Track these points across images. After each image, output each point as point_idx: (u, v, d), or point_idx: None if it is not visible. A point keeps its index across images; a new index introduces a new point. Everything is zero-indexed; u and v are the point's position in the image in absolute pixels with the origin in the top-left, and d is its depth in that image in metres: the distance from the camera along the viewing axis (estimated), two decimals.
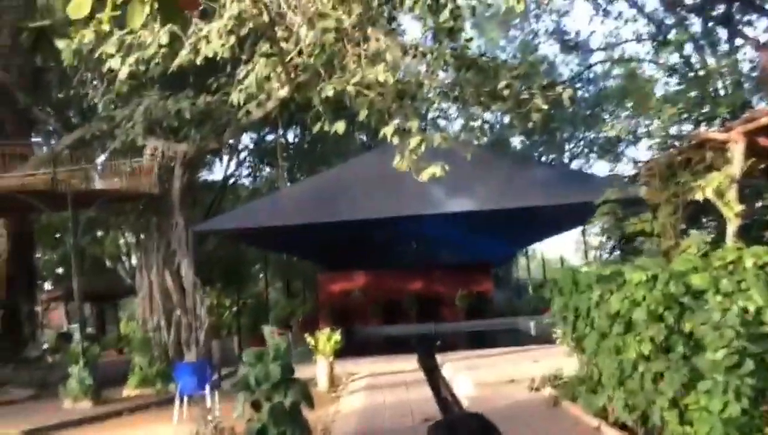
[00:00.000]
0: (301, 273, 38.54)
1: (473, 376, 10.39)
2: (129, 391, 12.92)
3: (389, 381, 11.49)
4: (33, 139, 15.81)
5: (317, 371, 12.02)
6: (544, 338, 19.62)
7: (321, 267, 32.00)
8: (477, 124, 14.83)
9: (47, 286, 30.39)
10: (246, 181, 32.65)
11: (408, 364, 13.22)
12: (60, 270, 33.33)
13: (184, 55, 10.12)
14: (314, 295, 29.67)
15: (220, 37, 9.36)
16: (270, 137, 27.94)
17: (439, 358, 11.94)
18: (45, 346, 23.98)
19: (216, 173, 34.55)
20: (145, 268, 15.05)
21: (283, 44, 10.76)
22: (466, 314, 27.67)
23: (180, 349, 14.49)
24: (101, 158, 17.12)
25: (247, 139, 28.93)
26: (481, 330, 25.83)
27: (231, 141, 17.50)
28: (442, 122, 32.98)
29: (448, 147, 10.51)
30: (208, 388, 9.50)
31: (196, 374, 9.53)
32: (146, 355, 13.38)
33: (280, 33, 10.66)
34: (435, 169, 9.50)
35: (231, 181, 31.73)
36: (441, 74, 13.07)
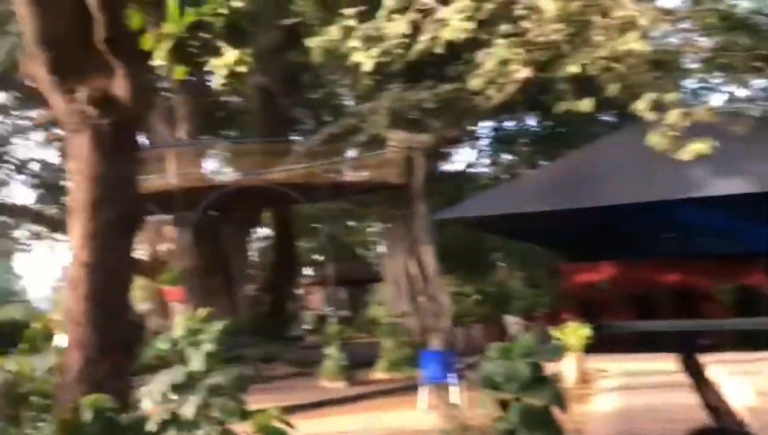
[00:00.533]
0: (542, 263, 37.54)
1: (753, 382, 9.00)
2: (378, 373, 13.46)
3: (646, 382, 10.47)
4: (291, 137, 17.18)
5: (564, 366, 11.40)
6: None
7: (565, 257, 30.74)
8: (748, 93, 12.91)
9: (307, 271, 33.25)
10: (486, 171, 32.54)
11: (666, 364, 12.02)
12: (318, 257, 36.39)
13: (423, 42, 10.14)
14: (557, 285, 28.60)
15: (461, 20, 9.16)
16: (509, 124, 27.55)
17: (704, 359, 10.68)
18: (306, 326, 26.28)
19: (455, 163, 35.00)
20: (391, 256, 15.60)
21: (523, 23, 10.29)
22: (732, 311, 24.61)
23: (425, 335, 14.79)
24: (350, 153, 18.08)
25: (486, 127, 28.84)
26: (752, 329, 22.76)
27: (470, 128, 17.36)
28: (704, 93, 29.68)
29: (712, 121, 9.23)
30: (453, 377, 9.43)
31: (442, 363, 9.53)
32: (394, 340, 13.84)
33: (519, 11, 10.19)
34: (701, 146, 8.35)
35: (470, 170, 31.90)
36: (702, 39, 11.61)
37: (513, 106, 14.48)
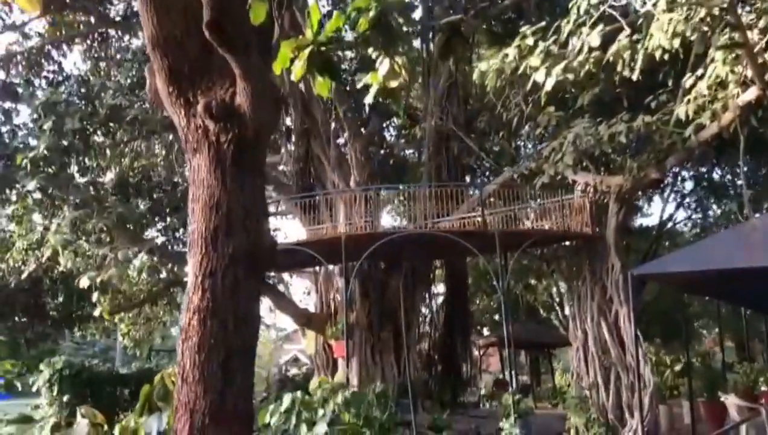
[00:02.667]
0: (758, 330, 32.47)
1: None
2: None
3: None
4: (466, 182, 15.97)
5: None
6: None
7: None
8: None
9: (485, 331, 31.46)
10: (687, 225, 29.03)
11: None
12: (496, 317, 34.45)
13: (619, 67, 8.55)
14: None
15: (667, 31, 7.49)
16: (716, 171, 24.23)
17: None
18: (482, 391, 24.40)
19: (651, 217, 31.77)
20: (579, 317, 13.61)
21: (748, 33, 8.32)
22: None
23: (621, 412, 12.52)
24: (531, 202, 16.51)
25: (687, 174, 25.70)
26: None
27: (674, 170, 14.97)
28: None
29: None
30: None
31: None
32: (583, 417, 11.79)
33: (744, 17, 8.27)
34: None
35: (669, 224, 28.56)
36: None
37: (729, 142, 12.10)
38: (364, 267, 15.16)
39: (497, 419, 11.82)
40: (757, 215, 10.58)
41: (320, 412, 3.43)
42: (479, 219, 13.48)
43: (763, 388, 19.84)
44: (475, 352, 30.82)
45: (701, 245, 12.77)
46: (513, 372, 14.54)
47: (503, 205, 14.03)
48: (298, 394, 3.55)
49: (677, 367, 23.87)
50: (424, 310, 18.57)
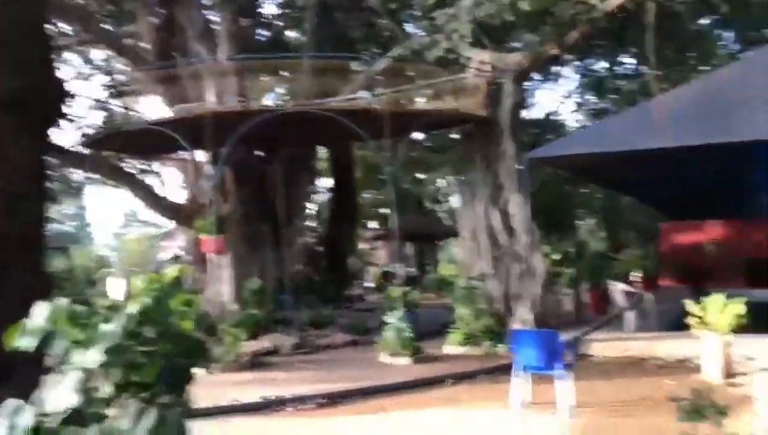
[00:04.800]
0: (634, 221, 33.98)
1: None
2: (451, 347, 10.90)
3: None
4: (352, 55, 14.43)
5: (703, 351, 8.54)
6: None
7: (665, 213, 27.19)
8: None
9: (373, 224, 30.90)
10: (576, 118, 29.03)
11: None
12: (384, 210, 34.01)
13: None
14: (655, 247, 25.25)
15: None
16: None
17: None
18: (369, 284, 24.00)
19: (537, 110, 31.65)
20: (469, 206, 12.86)
21: None
22: None
23: (509, 302, 12.10)
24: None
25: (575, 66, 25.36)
26: None
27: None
28: None
29: None
30: (559, 367, 6.74)
31: (543, 348, 6.83)
32: (470, 307, 11.20)
33: None
34: None
35: (556, 116, 28.56)
36: None
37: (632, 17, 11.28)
38: (238, 153, 13.58)
39: (384, 312, 11.06)
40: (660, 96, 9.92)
41: (101, 329, 2.22)
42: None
43: (637, 274, 20.51)
44: (363, 246, 30.35)
45: (601, 126, 12.27)
46: (400, 264, 13.74)
47: (392, 84, 12.75)
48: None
49: (556, 257, 24.34)
50: (308, 202, 17.30)
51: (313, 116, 11.08)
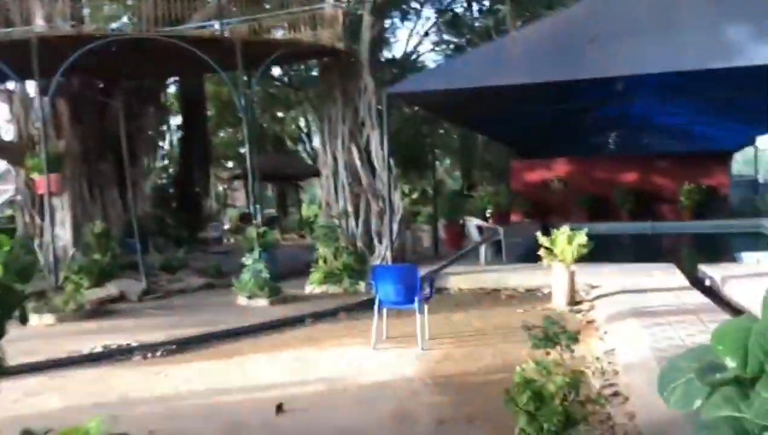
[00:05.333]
0: (486, 160, 35.28)
1: None
2: (312, 287, 10.71)
3: (658, 303, 8.10)
4: None
5: (553, 281, 8.94)
6: None
7: (515, 152, 28.40)
8: None
9: (230, 164, 29.80)
10: (433, 58, 29.20)
11: (672, 279, 9.77)
12: (242, 150, 32.86)
13: None
14: (507, 184, 26.39)
15: None
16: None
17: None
18: (227, 225, 23.21)
19: (398, 50, 31.62)
20: (329, 143, 12.55)
21: None
22: (691, 213, 23.07)
23: (370, 239, 12.07)
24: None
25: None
26: (715, 232, 21.27)
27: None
28: None
29: None
30: (418, 301, 6.73)
31: (401, 283, 6.77)
32: (331, 246, 11.03)
33: None
34: None
35: (414, 57, 28.60)
36: None
37: None
38: (74, 84, 12.30)
39: (241, 254, 10.62)
40: (514, 33, 10.00)
41: None
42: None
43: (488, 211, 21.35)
44: (220, 187, 29.26)
45: (458, 62, 12.30)
46: (257, 205, 13.22)
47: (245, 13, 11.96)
48: None
49: (415, 195, 24.81)
50: (156, 139, 16.16)
51: (158, 44, 10.14)
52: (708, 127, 24.73)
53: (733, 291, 8.89)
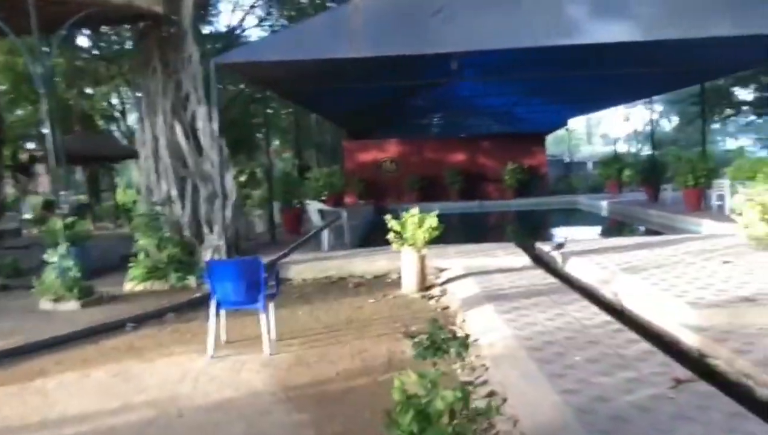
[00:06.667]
0: (316, 141, 34.62)
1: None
2: (132, 285, 9.38)
3: (509, 284, 7.91)
4: None
5: (402, 266, 8.44)
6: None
7: (347, 130, 28.00)
8: None
9: (32, 146, 26.44)
10: (259, 34, 27.82)
11: (515, 258, 9.71)
12: (45, 130, 29.33)
13: None
14: (339, 165, 25.91)
15: None
16: None
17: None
18: (27, 215, 20.48)
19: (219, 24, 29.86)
20: (148, 121, 11.11)
21: None
22: (515, 191, 24.14)
23: (199, 228, 10.89)
24: None
25: None
26: (538, 209, 22.37)
27: None
28: None
29: None
30: (261, 301, 5.86)
31: (243, 279, 5.85)
32: (154, 236, 9.74)
33: None
34: None
35: (239, 32, 27.05)
36: None
37: None
38: None
39: (44, 249, 8.99)
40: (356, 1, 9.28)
41: None
42: None
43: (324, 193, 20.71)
44: (18, 172, 25.84)
45: (299, 30, 11.33)
46: (66, 191, 11.42)
47: None
48: None
49: (243, 178, 23.54)
50: None
51: None
52: (527, 108, 25.96)
53: (575, 269, 8.99)
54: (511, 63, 16.92)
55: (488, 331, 6.00)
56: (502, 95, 23.83)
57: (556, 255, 9.66)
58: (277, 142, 36.30)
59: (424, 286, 8.34)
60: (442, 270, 9.24)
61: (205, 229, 10.77)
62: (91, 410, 4.74)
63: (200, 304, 7.87)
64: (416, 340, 3.27)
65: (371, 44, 9.15)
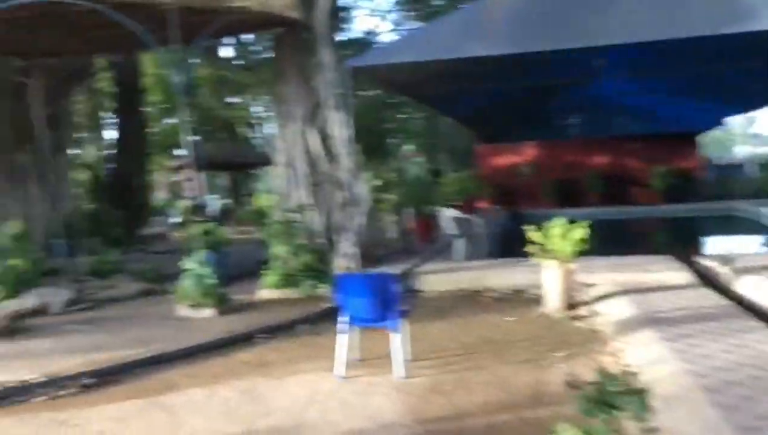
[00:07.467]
0: (450, 145, 34.14)
1: None
2: (266, 292, 9.33)
3: (671, 305, 6.97)
4: None
5: (544, 281, 7.73)
6: None
7: (480, 135, 27.26)
8: None
9: (180, 152, 27.96)
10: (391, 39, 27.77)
11: (674, 274, 8.66)
12: (194, 138, 30.88)
13: None
14: (473, 171, 25.25)
15: None
16: None
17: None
18: (176, 219, 21.55)
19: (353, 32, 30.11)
20: (284, 127, 11.13)
21: None
22: (665, 196, 22.29)
23: (331, 236, 10.72)
24: None
25: None
26: (690, 216, 20.51)
27: None
28: None
29: None
30: (393, 318, 5.42)
31: (375, 296, 5.45)
32: (288, 243, 9.65)
33: None
34: None
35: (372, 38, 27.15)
36: None
37: None
38: None
39: (188, 253, 9.14)
40: None
41: None
42: None
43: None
44: (175, 178, 27.45)
45: (431, 29, 10.91)
46: (211, 196, 11.72)
47: None
48: None
49: (375, 183, 23.41)
50: (87, 123, 14.44)
51: (72, 12, 8.55)
52: (676, 107, 23.96)
53: (749, 289, 7.82)
54: (660, 57, 15.51)
55: (652, 363, 5.20)
56: (648, 93, 22.09)
57: (725, 271, 8.50)
58: (409, 147, 36.20)
59: (570, 305, 7.58)
60: (588, 286, 8.39)
61: (338, 237, 10.58)
62: (215, 433, 4.50)
63: (331, 315, 7.57)
64: (582, 391, 2.65)
65: (510, 41, 8.51)
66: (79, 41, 10.44)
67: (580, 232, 7.34)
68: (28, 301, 9.05)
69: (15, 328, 8.04)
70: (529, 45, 8.51)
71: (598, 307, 7.47)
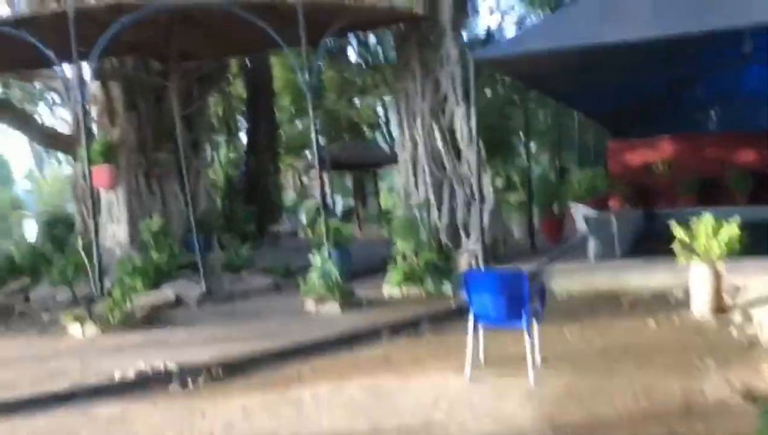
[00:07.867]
0: (576, 142, 32.84)
1: None
2: (389, 288, 9.23)
3: None
4: None
5: (691, 283, 7.08)
6: None
7: (609, 131, 25.96)
8: None
9: (308, 152, 28.78)
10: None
11: None
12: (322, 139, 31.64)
13: None
14: (604, 167, 24.05)
15: None
16: None
17: None
18: (303, 218, 22.12)
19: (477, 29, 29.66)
20: (407, 124, 11.03)
21: None
22: None
23: (456, 232, 10.49)
24: None
25: None
26: None
27: None
28: None
29: None
30: (523, 318, 5.10)
31: (503, 294, 5.16)
32: (411, 241, 9.51)
33: None
34: None
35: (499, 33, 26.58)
36: None
37: None
38: (127, 67, 11.29)
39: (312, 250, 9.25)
40: None
41: None
42: None
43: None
44: (300, 178, 28.33)
45: (562, 16, 10.36)
46: (326, 194, 11.85)
47: None
48: None
49: (499, 182, 22.90)
50: (219, 124, 15.08)
51: (207, 15, 8.87)
52: None
53: None
54: None
55: None
56: None
57: None
58: (534, 145, 35.20)
59: (720, 309, 6.89)
60: (738, 289, 7.61)
61: (462, 234, 10.33)
62: (341, 430, 4.40)
63: (457, 315, 7.35)
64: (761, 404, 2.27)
65: (652, 24, 7.85)
66: (214, 43, 10.89)
67: (732, 230, 6.65)
68: (166, 293, 9.52)
69: (153, 318, 8.45)
70: (674, 27, 7.82)
71: (754, 311, 6.73)
